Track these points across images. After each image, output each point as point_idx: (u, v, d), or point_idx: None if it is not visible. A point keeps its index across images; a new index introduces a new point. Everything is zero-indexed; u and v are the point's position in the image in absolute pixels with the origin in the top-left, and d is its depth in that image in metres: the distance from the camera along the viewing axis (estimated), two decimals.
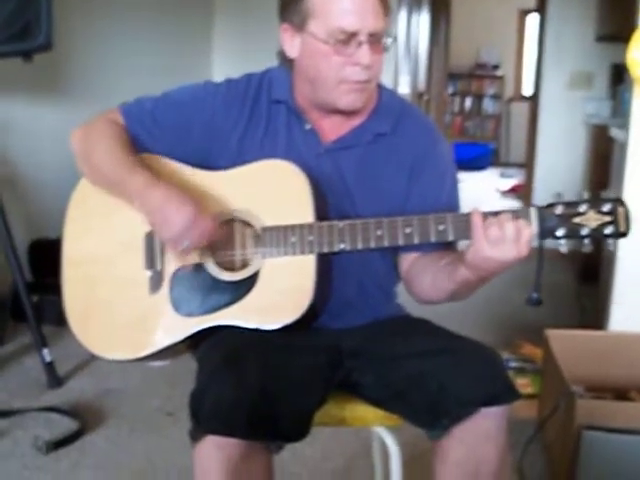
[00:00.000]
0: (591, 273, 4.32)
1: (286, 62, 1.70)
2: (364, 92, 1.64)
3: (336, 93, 1.62)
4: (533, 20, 9.97)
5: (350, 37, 1.56)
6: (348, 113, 1.67)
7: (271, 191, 1.61)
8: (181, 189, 1.60)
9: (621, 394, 2.67)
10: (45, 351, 3.12)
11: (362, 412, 1.67)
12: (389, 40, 1.62)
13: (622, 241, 2.93)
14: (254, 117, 1.71)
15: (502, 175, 10.25)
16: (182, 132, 1.71)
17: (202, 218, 1.55)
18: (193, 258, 1.62)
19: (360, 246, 1.56)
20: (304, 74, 1.66)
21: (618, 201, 1.47)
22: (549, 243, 1.52)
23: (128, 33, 4.76)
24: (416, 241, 1.54)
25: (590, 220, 1.47)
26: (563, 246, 1.51)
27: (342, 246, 1.56)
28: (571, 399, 2.33)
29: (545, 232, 1.49)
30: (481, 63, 11.67)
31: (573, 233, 1.48)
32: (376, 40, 1.59)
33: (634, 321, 2.85)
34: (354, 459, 2.58)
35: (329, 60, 1.59)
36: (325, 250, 1.57)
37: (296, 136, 1.70)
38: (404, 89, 6.40)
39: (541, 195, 6.11)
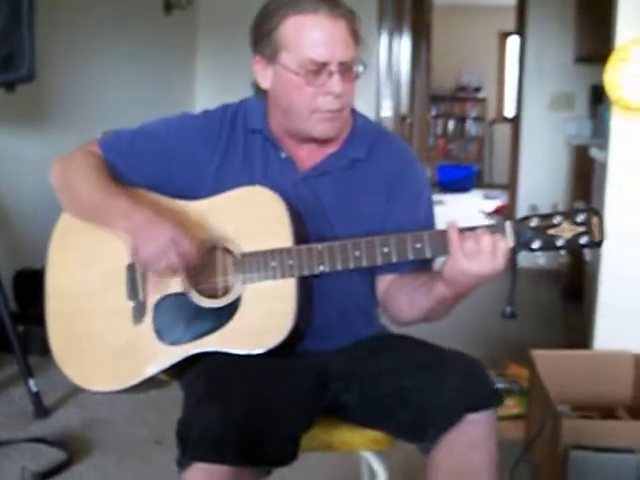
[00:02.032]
0: (575, 292, 4.35)
1: (260, 92, 1.73)
2: (337, 120, 1.66)
3: (309, 123, 1.64)
4: (513, 42, 10.08)
5: (321, 67, 1.59)
6: (323, 141, 1.69)
7: (249, 217, 1.63)
8: (163, 213, 1.62)
9: (608, 413, 2.68)
10: (31, 381, 3.10)
11: (349, 437, 1.67)
12: (360, 68, 1.64)
13: (605, 259, 2.96)
14: (231, 147, 1.73)
15: (486, 196, 10.31)
16: (160, 164, 1.72)
17: (183, 239, 1.56)
18: (175, 286, 1.63)
19: (339, 267, 1.57)
20: (277, 104, 1.69)
21: (591, 211, 1.49)
22: (530, 263, 1.53)
23: (111, 64, 4.78)
24: (394, 260, 1.55)
25: (565, 231, 1.48)
26: (540, 257, 1.52)
27: (322, 268, 1.57)
28: (557, 419, 2.34)
29: (521, 245, 1.50)
30: (463, 85, 11.76)
31: (549, 245, 1.49)
32: (347, 69, 1.61)
33: (619, 339, 2.86)
34: None
35: (301, 91, 1.61)
36: (305, 273, 1.58)
37: (273, 164, 1.72)
38: (386, 113, 6.45)
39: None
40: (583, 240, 1.48)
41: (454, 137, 12.05)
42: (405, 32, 7.40)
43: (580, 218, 1.48)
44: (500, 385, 3.25)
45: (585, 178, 4.46)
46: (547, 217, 1.49)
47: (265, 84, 1.69)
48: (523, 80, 6.19)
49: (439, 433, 1.50)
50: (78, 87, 4.48)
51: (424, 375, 1.54)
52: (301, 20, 1.59)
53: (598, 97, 5.37)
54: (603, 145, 3.18)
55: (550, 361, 2.74)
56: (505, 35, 11.22)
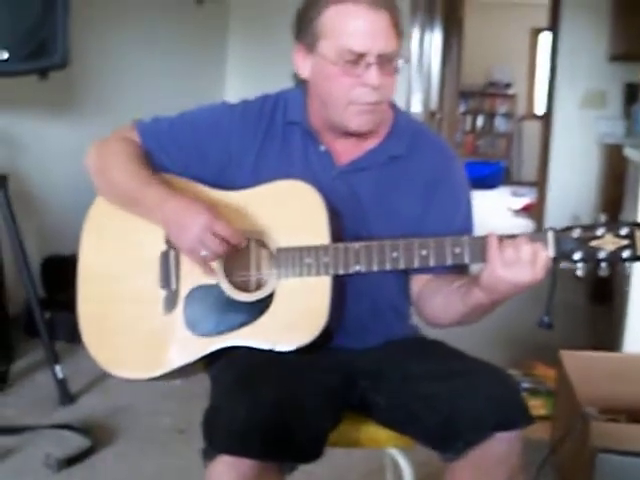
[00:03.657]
0: (604, 293, 4.30)
1: (301, 83, 1.71)
2: (374, 114, 1.63)
3: (346, 115, 1.62)
4: (545, 39, 9.99)
5: (359, 58, 1.57)
6: (362, 135, 1.67)
7: (287, 211, 1.61)
8: (199, 200, 1.60)
9: (635, 416, 2.65)
10: (57, 368, 3.12)
11: (375, 433, 1.66)
12: (400, 62, 1.62)
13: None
14: (269, 138, 1.71)
15: (514, 194, 10.23)
16: (198, 153, 1.72)
17: (219, 224, 1.55)
18: (209, 278, 1.62)
19: (376, 268, 1.55)
20: (316, 95, 1.67)
21: (636, 225, 1.46)
22: (563, 265, 1.50)
23: (143, 52, 4.80)
24: (432, 264, 1.53)
25: (607, 244, 1.46)
26: (580, 270, 1.49)
27: (357, 268, 1.56)
28: (585, 421, 2.31)
29: (562, 255, 1.47)
30: (493, 81, 11.67)
31: (590, 257, 1.47)
32: (386, 61, 1.59)
33: None
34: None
35: (338, 81, 1.59)
36: (340, 272, 1.56)
37: (311, 157, 1.70)
38: (416, 108, 6.41)
39: (554, 214, 6.11)
40: (625, 254, 1.45)
41: (483, 133, 11.96)
42: (437, 27, 7.35)
43: (624, 231, 1.45)
44: (526, 385, 3.23)
45: (617, 178, 4.41)
46: (590, 228, 1.47)
47: (304, 74, 1.67)
48: (555, 77, 6.15)
49: (466, 447, 1.48)
50: (110, 75, 4.50)
51: (456, 385, 1.51)
52: (342, 9, 1.57)
53: (632, 96, 5.32)
54: (637, 144, 3.14)
55: (578, 362, 2.71)
56: (537, 31, 11.11)
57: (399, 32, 1.61)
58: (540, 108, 10.06)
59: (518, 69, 11.49)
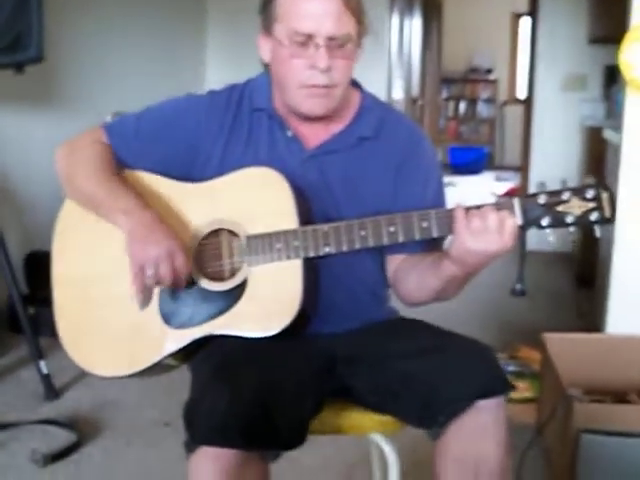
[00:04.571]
0: (588, 277, 4.31)
1: (267, 69, 1.71)
2: (326, 97, 1.62)
3: (298, 98, 1.62)
4: (526, 23, 10.01)
5: (307, 40, 1.56)
6: (323, 119, 1.67)
7: (254, 198, 1.61)
8: (167, 224, 1.60)
9: (619, 397, 2.66)
10: (42, 363, 3.11)
11: (359, 420, 1.66)
12: (349, 45, 1.59)
13: (618, 242, 2.94)
14: (236, 127, 1.71)
15: (497, 179, 10.26)
16: (166, 148, 1.71)
17: (180, 254, 1.55)
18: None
19: (345, 248, 1.55)
20: (275, 79, 1.68)
21: (601, 186, 1.45)
22: (542, 246, 1.50)
23: (120, 43, 4.76)
24: (401, 239, 1.53)
25: (574, 207, 1.45)
26: (550, 235, 1.49)
27: (327, 249, 1.55)
28: (569, 403, 2.33)
29: (529, 222, 1.47)
30: (474, 67, 11.70)
31: (558, 222, 1.46)
32: (338, 45, 1.58)
33: (631, 323, 2.84)
34: (354, 467, 2.57)
35: (288, 63, 1.60)
36: (311, 254, 1.56)
37: (279, 143, 1.70)
38: (398, 94, 6.41)
39: None
40: (593, 216, 1.45)
41: (465, 119, 12.00)
42: (416, 13, 7.34)
43: (590, 194, 1.45)
44: (512, 368, 3.24)
45: (598, 160, 4.42)
46: (556, 194, 1.46)
47: (266, 58, 1.68)
48: (535, 61, 6.14)
49: (448, 419, 1.48)
50: (87, 68, 4.47)
51: (433, 360, 1.51)
52: None
53: (612, 78, 5.33)
54: (617, 126, 3.14)
55: (562, 344, 2.72)
56: (518, 16, 11.13)
57: (358, 15, 1.60)
58: (522, 92, 10.08)
59: (499, 54, 11.52)
